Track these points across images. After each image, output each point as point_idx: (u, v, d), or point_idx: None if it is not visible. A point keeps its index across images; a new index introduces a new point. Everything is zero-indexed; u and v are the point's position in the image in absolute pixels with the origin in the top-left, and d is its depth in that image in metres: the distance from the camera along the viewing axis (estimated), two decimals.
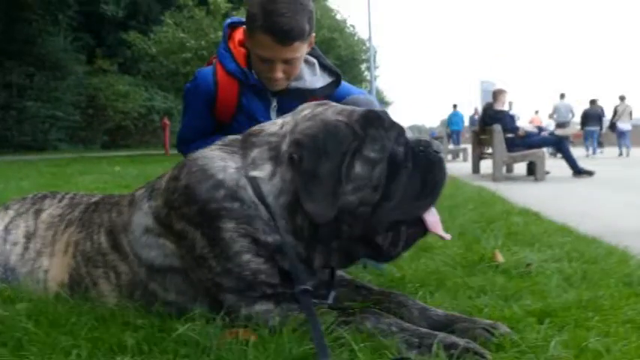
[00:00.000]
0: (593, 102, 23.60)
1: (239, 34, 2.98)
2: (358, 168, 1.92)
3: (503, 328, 1.87)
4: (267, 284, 1.96)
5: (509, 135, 11.31)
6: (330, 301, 2.07)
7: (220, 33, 18.71)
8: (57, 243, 2.45)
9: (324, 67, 3.04)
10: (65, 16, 30.93)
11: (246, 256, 1.94)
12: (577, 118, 24.39)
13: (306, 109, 2.13)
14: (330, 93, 2.99)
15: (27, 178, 9.76)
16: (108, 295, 2.23)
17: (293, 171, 1.94)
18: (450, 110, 29.07)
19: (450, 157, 22.73)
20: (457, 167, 15.85)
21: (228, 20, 3.11)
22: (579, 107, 23.79)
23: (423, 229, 2.06)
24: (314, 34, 2.94)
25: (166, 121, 26.11)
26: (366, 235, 1.98)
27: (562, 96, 23.89)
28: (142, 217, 2.18)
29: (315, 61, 3.01)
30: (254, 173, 2.00)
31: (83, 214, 2.49)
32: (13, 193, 6.70)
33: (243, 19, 2.93)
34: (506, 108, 12.90)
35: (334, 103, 2.18)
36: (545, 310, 2.14)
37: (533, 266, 2.87)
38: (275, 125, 2.13)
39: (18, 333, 1.88)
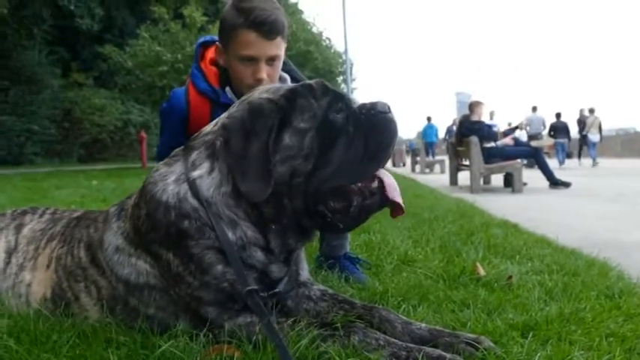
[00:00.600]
0: (558, 115, 24.21)
1: (210, 53, 2.99)
2: (287, 139, 1.95)
3: (487, 342, 1.87)
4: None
5: (487, 145, 11.39)
6: (279, 288, 2.09)
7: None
8: (39, 257, 2.44)
9: (296, 82, 3.04)
10: (40, 30, 30.65)
11: (219, 268, 1.96)
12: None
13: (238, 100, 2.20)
14: None
15: (2, 193, 9.64)
16: (90, 309, 2.22)
17: (225, 157, 1.99)
18: (425, 122, 29.54)
19: (427, 169, 22.99)
20: (434, 179, 15.95)
21: (201, 39, 3.11)
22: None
23: (380, 199, 2.05)
24: (286, 46, 2.97)
25: (143, 134, 25.94)
26: (309, 206, 1.99)
27: (534, 109, 24.64)
28: (113, 236, 2.20)
29: (287, 76, 3.01)
30: (194, 174, 2.05)
31: (65, 229, 2.49)
32: None
33: (215, 37, 2.94)
34: (485, 118, 13.03)
35: (266, 86, 2.23)
36: (528, 324, 2.15)
37: (515, 279, 2.89)
38: (211, 125, 2.20)
39: (0, 351, 1.85)
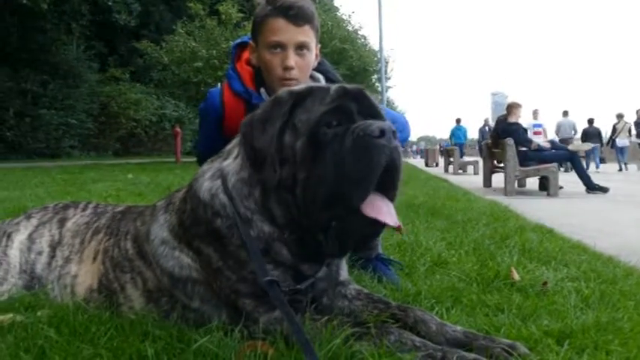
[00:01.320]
0: (590, 121, 24.44)
1: (246, 54, 3.03)
2: (287, 137, 1.94)
3: (522, 348, 1.85)
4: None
5: (522, 149, 11.25)
6: (303, 286, 2.07)
7: (232, 43, 18.91)
8: (85, 250, 2.52)
9: (332, 83, 3.04)
10: (78, 25, 31.15)
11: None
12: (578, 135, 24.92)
13: None
14: None
15: (41, 185, 9.83)
16: (135, 300, 2.28)
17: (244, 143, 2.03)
18: (454, 124, 29.67)
19: (460, 170, 22.82)
20: (468, 180, 15.79)
21: (237, 41, 3.15)
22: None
23: (360, 220, 1.84)
24: (320, 46, 2.98)
25: (177, 129, 26.20)
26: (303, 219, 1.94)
27: (565, 113, 24.69)
28: (159, 229, 2.26)
29: (320, 76, 3.02)
30: (224, 163, 2.13)
31: (110, 222, 2.56)
32: (28, 201, 6.77)
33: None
34: (527, 119, 12.87)
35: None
36: (563, 331, 2.13)
37: (550, 285, 2.86)
38: None
39: (40, 340, 1.90)
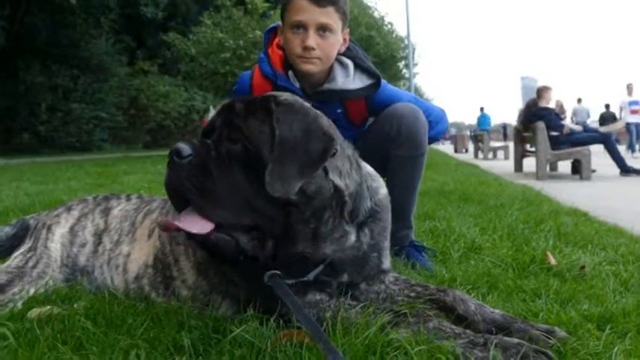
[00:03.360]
0: (607, 106, 24.93)
1: (277, 39, 3.05)
2: None
3: (562, 333, 1.82)
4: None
5: (554, 133, 11.07)
6: (310, 278, 2.03)
7: (258, 32, 18.86)
8: (137, 230, 2.55)
9: (362, 69, 3.02)
10: (107, 19, 31.43)
11: None
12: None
13: None
14: (367, 95, 3.00)
15: (74, 178, 9.97)
16: (187, 272, 2.30)
17: None
18: (478, 112, 31.17)
19: (490, 155, 22.65)
20: (498, 165, 15.62)
21: (270, 26, 3.15)
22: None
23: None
24: (347, 31, 2.95)
25: (206, 119, 26.42)
26: None
27: (579, 100, 25.23)
28: None
29: (349, 62, 3.00)
30: None
31: (165, 204, 2.58)
32: (63, 193, 6.89)
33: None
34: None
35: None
36: (603, 316, 2.09)
37: (588, 269, 2.80)
38: None
39: (77, 332, 1.92)
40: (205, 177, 1.83)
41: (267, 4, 26.57)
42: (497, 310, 1.98)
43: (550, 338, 1.77)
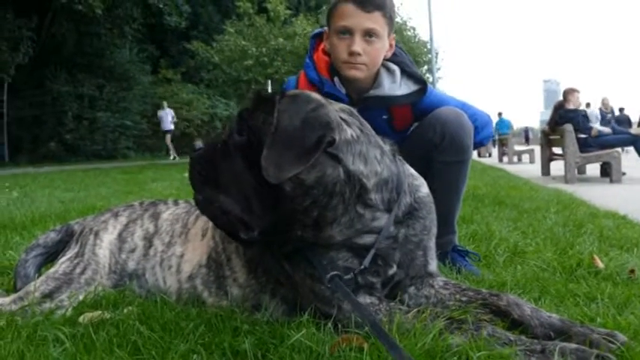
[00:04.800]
0: (621, 109, 25.57)
1: (323, 44, 3.05)
2: None
3: (623, 337, 1.77)
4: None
5: (582, 135, 10.93)
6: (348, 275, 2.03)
7: (280, 39, 18.94)
8: (190, 231, 2.56)
9: (408, 75, 2.99)
10: (131, 28, 31.81)
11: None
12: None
13: None
14: (413, 101, 2.97)
15: (103, 185, 10.09)
16: (238, 270, 2.30)
17: None
18: (496, 118, 31.23)
19: (515, 158, 22.45)
20: (524, 169, 15.46)
21: (316, 31, 3.16)
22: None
23: None
24: (394, 36, 2.94)
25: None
26: None
27: (588, 105, 25.21)
28: None
29: (396, 68, 2.98)
30: None
31: None
32: (95, 200, 6.97)
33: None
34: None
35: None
36: None
37: (638, 272, 2.75)
38: None
39: (133, 336, 1.92)
40: (210, 167, 1.98)
41: (289, 12, 26.72)
42: (554, 315, 1.93)
43: (612, 342, 1.73)
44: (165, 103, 28.23)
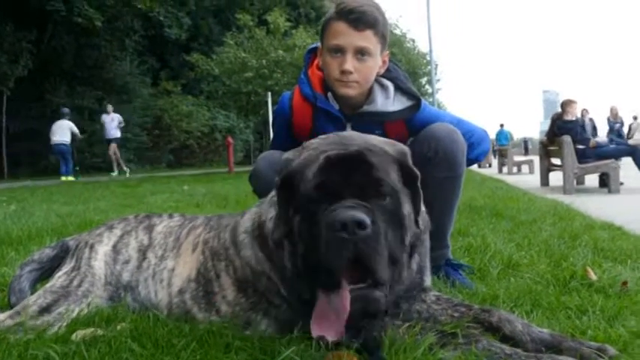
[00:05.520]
0: (635, 117, 24.53)
1: (317, 59, 3.07)
2: (290, 212, 1.93)
3: (613, 350, 1.79)
4: None
5: (580, 146, 10.95)
6: None
7: (280, 51, 18.98)
8: (182, 245, 2.57)
9: (402, 91, 3.01)
10: (131, 41, 31.97)
11: None
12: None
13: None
14: (406, 117, 2.98)
15: (103, 199, 10.06)
16: (227, 288, 2.31)
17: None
18: (497, 128, 32.77)
19: (515, 169, 22.46)
20: (524, 180, 15.47)
21: (311, 46, 3.18)
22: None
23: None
24: (387, 52, 2.95)
25: (230, 139, 26.47)
26: None
27: (586, 111, 25.23)
28: (247, 218, 2.33)
29: (389, 84, 2.99)
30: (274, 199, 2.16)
31: (209, 221, 2.63)
32: (94, 214, 6.97)
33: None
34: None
35: (347, 135, 2.05)
36: None
37: (630, 284, 2.76)
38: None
39: (125, 354, 1.93)
40: (378, 242, 1.74)
41: (288, 24, 26.86)
42: (545, 330, 1.95)
43: (602, 356, 1.75)
44: (110, 107, 23.62)
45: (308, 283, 1.87)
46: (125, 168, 23.78)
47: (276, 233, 2.01)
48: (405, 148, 2.04)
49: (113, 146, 23.19)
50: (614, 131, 19.37)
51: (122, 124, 23.48)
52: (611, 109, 21.33)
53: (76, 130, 21.83)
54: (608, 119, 20.50)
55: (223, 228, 2.45)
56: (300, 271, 1.89)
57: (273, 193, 2.17)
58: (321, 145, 1.93)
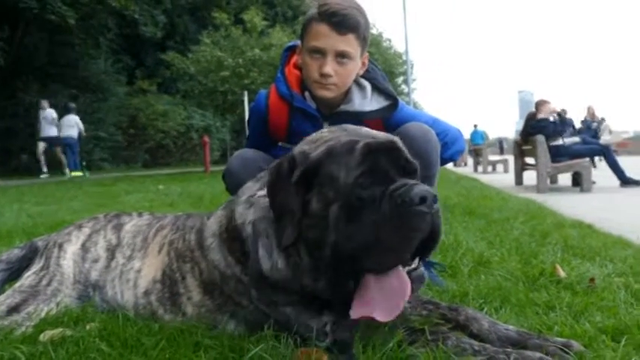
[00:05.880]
0: (603, 119, 24.66)
1: (295, 58, 3.05)
2: (314, 204, 1.84)
3: (578, 346, 1.83)
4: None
5: (553, 143, 11.11)
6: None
7: (257, 50, 18.80)
8: (149, 246, 2.55)
9: (379, 91, 3.01)
10: (106, 39, 31.58)
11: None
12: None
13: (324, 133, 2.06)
14: (383, 117, 2.98)
15: (76, 199, 9.93)
16: (193, 290, 2.29)
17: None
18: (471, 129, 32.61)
19: (490, 168, 22.74)
20: (498, 179, 15.65)
21: (288, 44, 3.16)
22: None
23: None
24: (367, 55, 2.95)
25: (206, 139, 26.31)
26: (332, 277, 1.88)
27: (564, 112, 25.61)
28: (214, 221, 2.28)
29: (367, 84, 3.00)
30: (258, 193, 2.13)
31: (176, 220, 2.61)
32: (66, 214, 6.89)
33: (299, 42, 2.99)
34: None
35: (349, 127, 2.04)
36: (617, 328, 2.09)
37: (597, 281, 2.81)
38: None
39: (93, 354, 1.91)
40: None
41: (265, 23, 26.74)
42: (511, 327, 1.99)
43: (567, 352, 1.78)
44: (45, 102, 21.43)
45: (338, 273, 1.83)
46: (68, 171, 21.09)
47: (286, 237, 1.89)
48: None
49: (42, 145, 21.15)
50: (591, 130, 19.56)
51: (56, 122, 21.19)
52: (588, 109, 21.55)
53: (81, 125, 21.84)
54: (585, 119, 20.69)
55: (189, 229, 2.43)
56: (327, 262, 1.83)
57: (248, 193, 2.16)
58: (336, 138, 1.92)
